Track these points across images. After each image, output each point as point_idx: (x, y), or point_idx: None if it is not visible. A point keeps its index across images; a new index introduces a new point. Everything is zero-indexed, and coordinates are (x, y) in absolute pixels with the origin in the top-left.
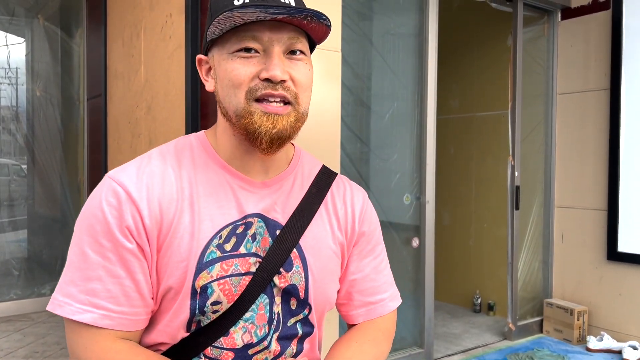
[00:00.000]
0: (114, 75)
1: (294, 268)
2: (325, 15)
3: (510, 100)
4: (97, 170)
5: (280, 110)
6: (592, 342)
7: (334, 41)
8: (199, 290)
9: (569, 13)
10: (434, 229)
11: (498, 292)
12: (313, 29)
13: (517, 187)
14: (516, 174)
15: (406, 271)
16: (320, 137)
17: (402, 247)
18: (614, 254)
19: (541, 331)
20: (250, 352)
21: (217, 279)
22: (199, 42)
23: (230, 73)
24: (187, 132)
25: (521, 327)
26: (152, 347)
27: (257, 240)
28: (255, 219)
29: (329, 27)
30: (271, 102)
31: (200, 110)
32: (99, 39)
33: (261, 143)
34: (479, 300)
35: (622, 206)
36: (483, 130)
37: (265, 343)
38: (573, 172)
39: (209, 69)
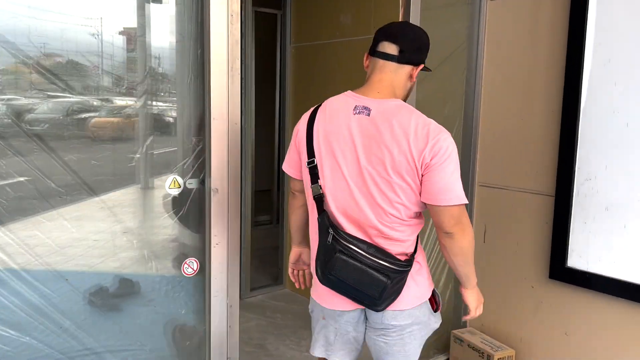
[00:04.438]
0: None
1: None
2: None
3: (403, 5)
4: None
5: None
6: None
7: None
8: None
9: None
10: (238, 237)
11: None
12: None
13: None
14: None
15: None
16: None
17: (169, 280)
18: (560, 270)
19: None
20: None
21: None
22: None
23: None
24: None
25: None
26: None
27: None
28: None
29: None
30: None
31: None
32: None
33: None
34: None
35: (578, 190)
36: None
37: None
38: (509, 126)
39: (413, 73)
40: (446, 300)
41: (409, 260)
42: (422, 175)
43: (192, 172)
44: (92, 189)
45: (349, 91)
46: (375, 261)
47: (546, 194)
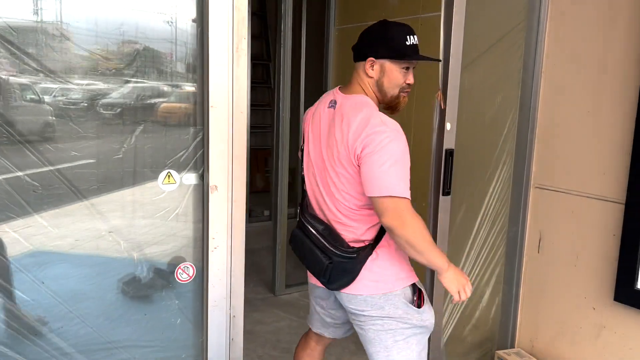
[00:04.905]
0: None
1: None
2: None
3: None
4: None
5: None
6: None
7: None
8: None
9: None
10: (243, 240)
11: None
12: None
13: (449, 152)
14: (448, 126)
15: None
16: None
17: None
18: (627, 292)
19: None
20: None
21: None
22: None
23: (397, 79)
24: None
25: None
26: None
27: None
28: None
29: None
30: (406, 93)
31: None
32: None
33: (398, 110)
34: None
35: None
36: None
37: None
38: (572, 119)
39: (373, 65)
40: (491, 317)
41: (359, 249)
42: (359, 167)
43: (189, 166)
44: (80, 191)
45: (339, 87)
46: (321, 242)
47: (615, 201)
